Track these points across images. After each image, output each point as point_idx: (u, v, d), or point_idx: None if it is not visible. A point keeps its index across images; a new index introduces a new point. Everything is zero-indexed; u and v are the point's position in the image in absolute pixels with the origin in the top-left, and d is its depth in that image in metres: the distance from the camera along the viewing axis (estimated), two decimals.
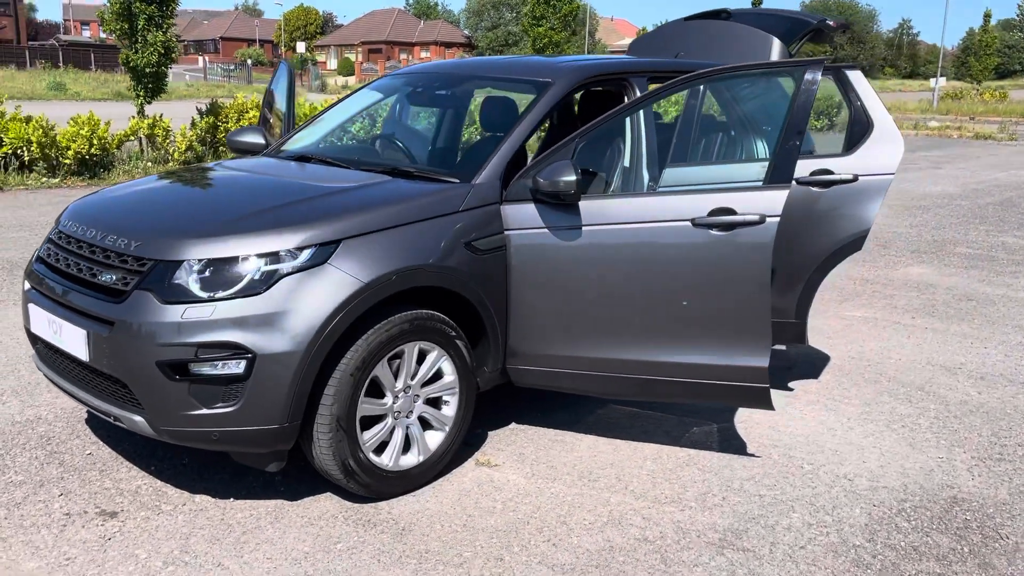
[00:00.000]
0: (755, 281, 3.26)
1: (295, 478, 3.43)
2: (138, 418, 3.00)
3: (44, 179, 11.18)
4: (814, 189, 4.11)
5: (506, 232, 3.51)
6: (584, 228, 3.44)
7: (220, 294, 2.92)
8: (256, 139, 4.54)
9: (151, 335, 2.89)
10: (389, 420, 3.29)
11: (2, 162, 11.13)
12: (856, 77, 4.14)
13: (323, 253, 3.03)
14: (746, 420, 4.11)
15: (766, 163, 4.25)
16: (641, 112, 3.72)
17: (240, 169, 3.91)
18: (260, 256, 2.97)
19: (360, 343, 3.08)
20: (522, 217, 3.50)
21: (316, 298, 2.96)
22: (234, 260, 2.97)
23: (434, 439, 3.45)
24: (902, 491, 3.46)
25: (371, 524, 3.14)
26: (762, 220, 3.25)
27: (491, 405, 4.15)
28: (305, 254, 3.01)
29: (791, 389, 4.56)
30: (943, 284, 7.00)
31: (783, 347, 5.21)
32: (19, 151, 11.24)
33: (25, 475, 3.41)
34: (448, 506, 3.28)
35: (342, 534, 3.07)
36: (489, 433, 3.93)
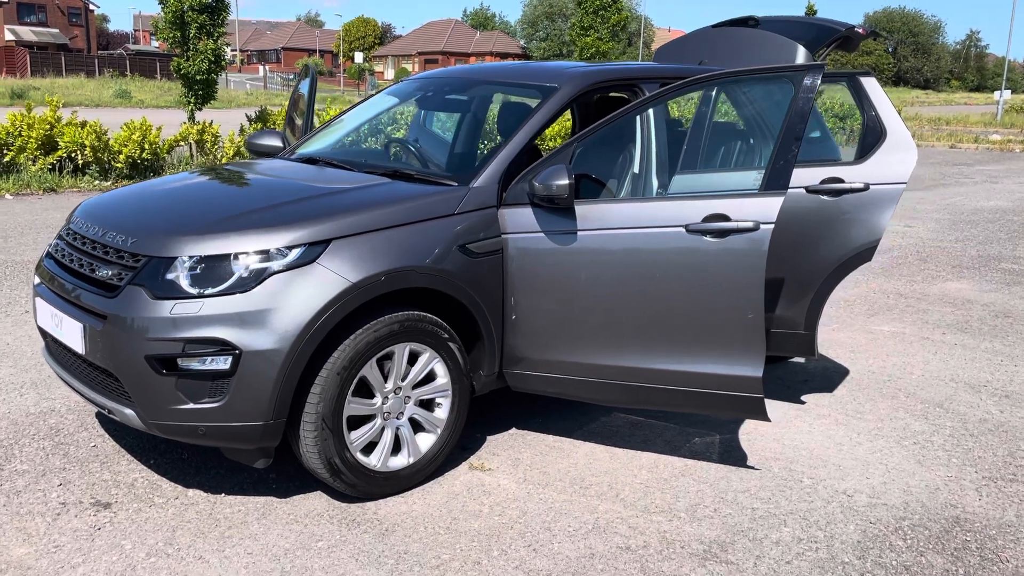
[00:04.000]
0: (748, 289, 3.20)
1: (288, 476, 3.47)
2: (129, 411, 3.07)
3: (96, 182, 11.53)
4: (824, 197, 4.02)
5: (503, 236, 3.51)
6: (579, 233, 3.42)
7: (209, 290, 2.97)
8: (274, 142, 4.63)
9: (140, 329, 2.96)
10: (378, 420, 3.30)
11: (57, 165, 11.53)
12: (870, 84, 4.05)
13: (312, 252, 3.06)
14: (751, 432, 4.03)
15: (800, 168, 4.19)
16: (642, 117, 3.69)
17: (247, 170, 3.99)
18: (249, 254, 3.02)
19: (348, 343, 3.11)
20: (519, 221, 3.50)
21: (303, 296, 2.99)
22: (224, 257, 3.02)
23: (425, 441, 3.46)
24: (902, 509, 3.36)
25: (355, 523, 3.16)
26: (756, 227, 3.19)
27: (492, 409, 4.15)
28: (294, 253, 3.04)
29: (803, 402, 4.46)
30: (981, 300, 6.78)
31: (801, 359, 5.11)
32: (73, 154, 11.63)
33: (30, 464, 3.51)
34: (434, 508, 3.28)
35: (325, 532, 3.09)
36: (488, 437, 3.92)
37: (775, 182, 3.21)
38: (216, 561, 2.89)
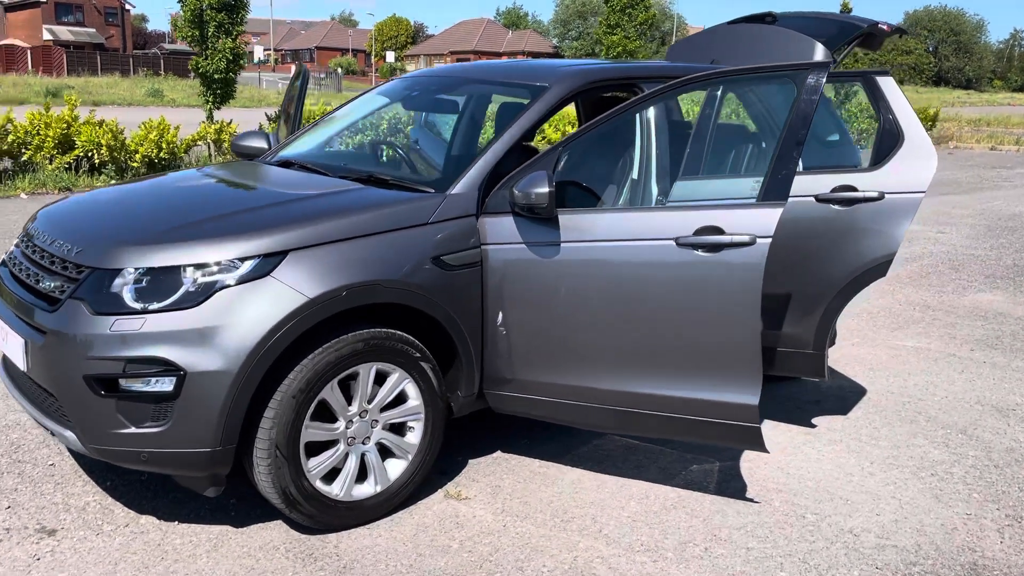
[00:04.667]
0: (744, 309, 2.91)
1: (249, 502, 3.24)
2: (69, 433, 2.86)
3: (112, 181, 11.45)
4: (835, 207, 3.71)
5: (483, 247, 3.26)
6: (563, 245, 3.16)
7: (153, 306, 2.75)
8: (258, 143, 4.41)
9: (79, 347, 2.74)
10: (341, 446, 3.06)
11: (74, 164, 11.48)
12: (887, 85, 3.73)
13: (267, 265, 2.83)
14: (753, 459, 3.73)
15: (810, 176, 3.89)
16: (636, 119, 3.42)
17: (217, 175, 3.76)
18: (197, 266, 2.79)
19: (305, 363, 2.87)
20: (500, 231, 3.25)
21: (254, 313, 2.76)
22: (173, 270, 2.80)
23: (395, 468, 3.22)
24: (913, 552, 3.05)
25: (312, 558, 2.92)
26: (753, 241, 2.90)
27: (476, 430, 3.90)
28: (247, 265, 2.81)
29: (814, 425, 4.15)
30: (1015, 314, 6.38)
31: (816, 379, 4.79)
32: (90, 154, 11.56)
33: None
34: (400, 542, 3.04)
35: (278, 568, 2.86)
36: (470, 461, 3.67)
37: (774, 192, 2.92)
38: None
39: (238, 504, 3.24)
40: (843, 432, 4.08)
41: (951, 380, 4.86)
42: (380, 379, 3.11)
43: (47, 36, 53.47)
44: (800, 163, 4.17)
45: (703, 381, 3.05)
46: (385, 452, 3.21)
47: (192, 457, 2.79)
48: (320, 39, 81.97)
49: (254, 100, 33.64)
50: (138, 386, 2.74)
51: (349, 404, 3.05)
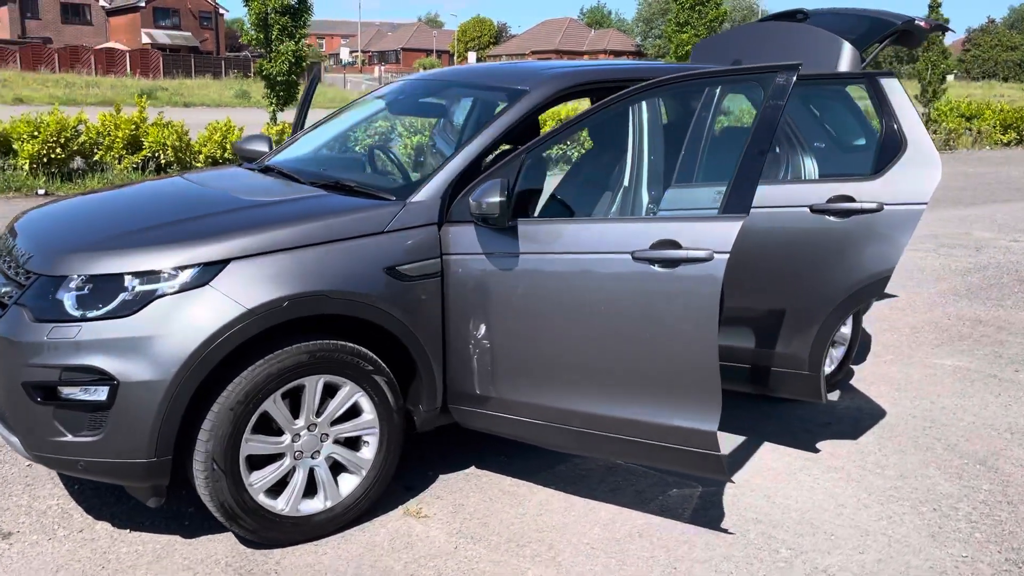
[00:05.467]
0: (700, 328, 2.71)
1: (206, 511, 3.19)
2: (14, 439, 2.88)
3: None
4: (830, 218, 3.44)
5: (445, 257, 3.14)
6: (521, 256, 3.03)
7: (91, 314, 2.73)
8: (259, 147, 4.40)
9: (19, 354, 2.75)
10: (287, 460, 2.99)
11: (141, 164, 11.86)
12: (891, 86, 3.44)
13: (207, 274, 2.78)
14: (740, 485, 3.51)
15: (805, 184, 3.65)
16: (613, 122, 3.25)
17: (189, 181, 3.74)
18: (137, 274, 2.76)
19: (244, 375, 2.81)
20: (461, 241, 3.13)
21: (190, 323, 2.72)
22: (114, 278, 2.78)
23: (348, 484, 3.13)
24: None
25: (250, 574, 2.86)
26: (710, 257, 2.69)
27: (453, 446, 3.78)
28: (186, 274, 2.77)
29: (817, 450, 3.88)
30: None
31: (834, 398, 4.50)
32: (156, 154, 11.93)
33: None
34: (344, 561, 2.95)
35: None
36: (440, 476, 3.56)
37: (735, 204, 2.70)
38: None
39: (196, 513, 3.21)
40: (847, 458, 3.80)
41: (984, 404, 4.50)
42: (332, 392, 3.03)
43: (145, 39, 55.78)
44: (815, 170, 3.94)
45: (660, 404, 2.86)
46: (339, 467, 3.13)
47: (128, 468, 2.76)
48: (406, 40, 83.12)
49: (336, 101, 34.28)
50: (74, 394, 2.73)
51: (296, 417, 2.98)
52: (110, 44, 54.38)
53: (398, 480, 3.49)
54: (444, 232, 3.16)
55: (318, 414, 3.02)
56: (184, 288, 2.75)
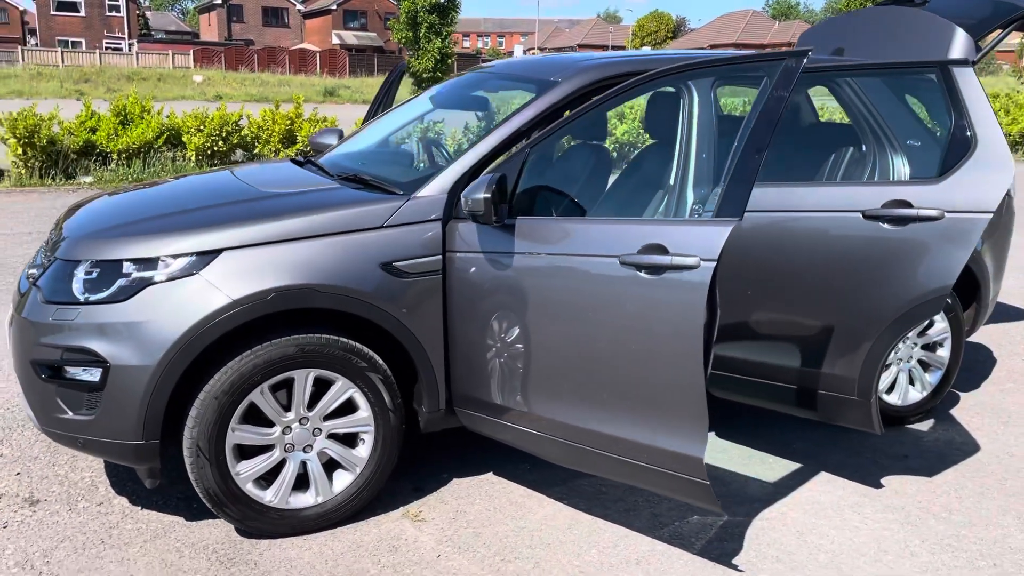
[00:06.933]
0: (684, 343, 2.45)
1: None
2: (30, 411, 3.04)
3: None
4: (886, 225, 3.03)
5: (448, 254, 3.04)
6: (515, 255, 2.87)
7: (92, 298, 2.84)
8: (330, 140, 4.49)
9: (29, 332, 2.91)
10: (277, 452, 2.99)
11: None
12: (965, 77, 2.98)
13: (199, 263, 2.82)
14: (773, 518, 3.18)
15: (859, 187, 3.27)
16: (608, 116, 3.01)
17: (229, 174, 3.82)
18: (134, 261, 2.85)
19: (231, 365, 2.83)
20: (463, 238, 3.02)
21: (177, 311, 2.77)
22: (116, 264, 2.88)
23: (341, 481, 3.09)
24: None
25: (231, 563, 2.88)
26: (697, 264, 2.42)
27: (480, 450, 3.65)
28: (179, 263, 2.82)
29: (881, 485, 3.45)
30: None
31: (924, 428, 4.01)
32: (308, 148, 12.54)
33: (11, 453, 3.63)
34: (323, 559, 2.91)
35: (194, 568, 2.85)
36: (453, 480, 3.45)
37: (728, 207, 2.42)
38: None
39: None
40: (912, 497, 3.36)
41: None
42: (326, 387, 3.01)
43: (335, 40, 59.02)
44: (907, 170, 3.52)
45: (648, 424, 2.62)
46: (334, 464, 3.10)
47: (119, 448, 2.85)
48: (583, 36, 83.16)
49: None
50: (74, 374, 2.85)
51: (287, 410, 2.97)
52: (303, 45, 57.97)
53: (408, 480, 3.43)
54: (450, 228, 3.05)
55: (310, 408, 3.00)
56: (174, 276, 2.81)
